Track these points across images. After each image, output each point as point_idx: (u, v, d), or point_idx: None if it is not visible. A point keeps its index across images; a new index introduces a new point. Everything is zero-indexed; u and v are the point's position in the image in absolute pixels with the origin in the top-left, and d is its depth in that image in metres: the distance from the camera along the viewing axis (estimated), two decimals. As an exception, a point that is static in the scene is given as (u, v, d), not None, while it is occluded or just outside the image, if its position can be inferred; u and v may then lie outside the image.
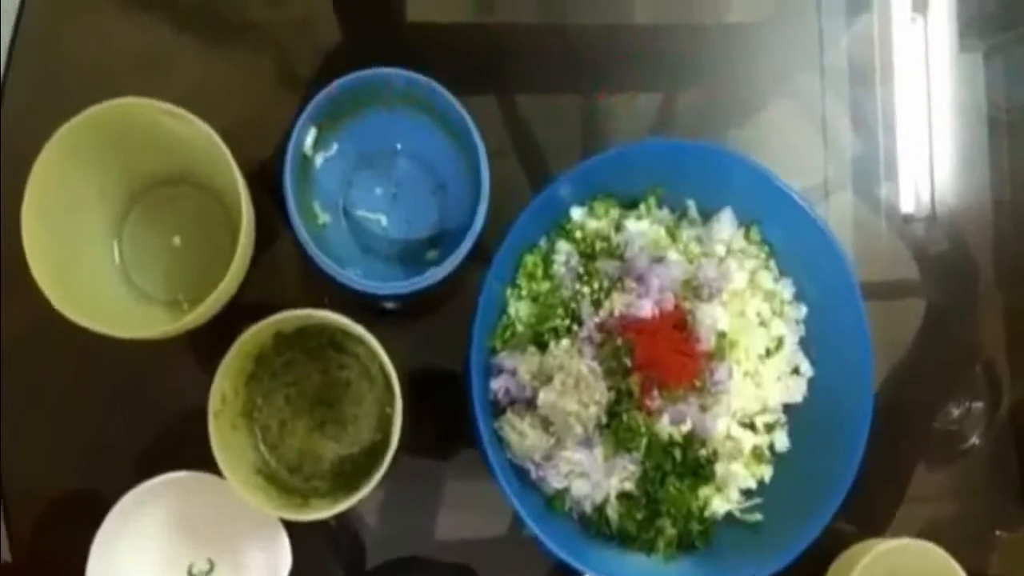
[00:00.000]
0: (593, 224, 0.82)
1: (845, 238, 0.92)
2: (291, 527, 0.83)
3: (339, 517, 0.87)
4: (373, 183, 0.88)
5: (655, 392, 0.77)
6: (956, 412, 0.95)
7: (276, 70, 0.92)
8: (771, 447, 0.82)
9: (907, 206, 0.96)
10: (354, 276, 0.79)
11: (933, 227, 0.96)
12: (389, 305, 0.89)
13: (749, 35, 0.96)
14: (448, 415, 0.89)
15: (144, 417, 0.87)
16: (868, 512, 0.88)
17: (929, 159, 0.96)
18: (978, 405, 0.95)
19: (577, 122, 0.94)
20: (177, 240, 0.87)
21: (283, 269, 0.88)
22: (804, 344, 0.83)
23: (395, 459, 0.76)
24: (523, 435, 0.77)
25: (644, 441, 0.77)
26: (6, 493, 0.86)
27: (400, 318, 0.90)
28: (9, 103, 0.88)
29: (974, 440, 0.94)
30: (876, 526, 0.90)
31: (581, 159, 0.80)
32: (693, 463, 0.79)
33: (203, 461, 0.78)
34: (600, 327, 0.78)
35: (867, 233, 0.95)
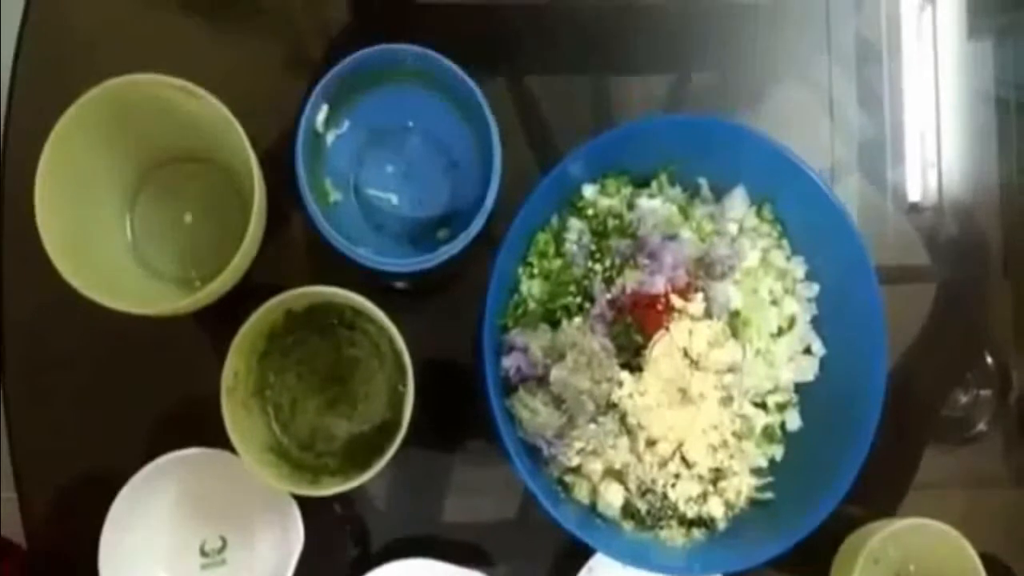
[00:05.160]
0: (605, 202, 0.81)
1: (853, 222, 0.92)
2: (303, 508, 0.83)
3: (349, 498, 0.88)
4: (384, 161, 0.88)
5: (667, 369, 0.77)
6: (964, 399, 0.95)
7: (286, 51, 0.92)
8: (782, 426, 0.82)
9: (915, 190, 0.96)
10: (365, 253, 0.79)
11: (941, 212, 0.96)
12: (398, 285, 0.89)
13: (758, 16, 0.96)
14: (456, 396, 0.89)
15: (155, 396, 0.87)
16: (876, 496, 0.88)
17: (937, 142, 0.96)
18: (986, 393, 0.95)
19: (587, 104, 0.94)
20: (188, 217, 0.87)
21: (293, 249, 0.89)
22: (816, 323, 0.83)
23: (404, 440, 0.76)
24: (535, 412, 0.77)
25: (656, 418, 0.77)
26: (19, 474, 0.86)
27: (409, 298, 0.90)
28: (19, 85, 0.88)
29: (982, 427, 0.94)
30: (884, 510, 0.90)
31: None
32: (704, 441, 0.79)
33: (214, 440, 0.78)
34: (612, 304, 0.78)
35: (875, 217, 0.95)
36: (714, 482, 0.79)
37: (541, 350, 0.78)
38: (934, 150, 0.96)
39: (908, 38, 0.96)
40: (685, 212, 0.82)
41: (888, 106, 0.96)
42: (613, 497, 0.78)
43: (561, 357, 0.77)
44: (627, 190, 0.82)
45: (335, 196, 0.86)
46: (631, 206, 0.81)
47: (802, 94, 0.96)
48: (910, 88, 0.96)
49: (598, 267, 0.79)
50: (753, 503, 0.81)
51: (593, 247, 0.80)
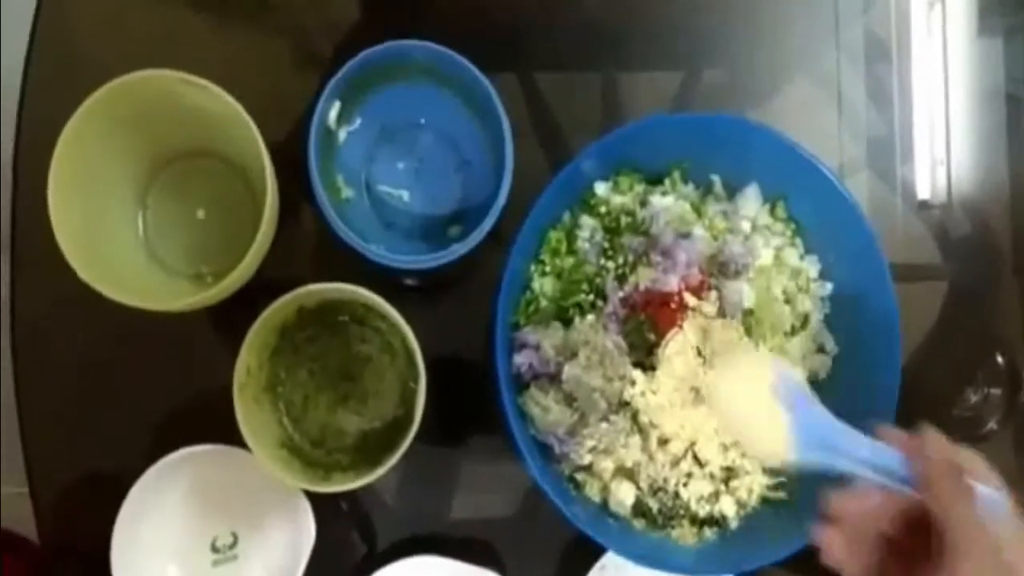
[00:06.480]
0: (618, 199, 0.81)
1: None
2: (313, 505, 0.83)
3: (359, 496, 0.88)
4: (396, 158, 0.88)
5: (679, 367, 0.77)
6: (974, 397, 0.95)
7: (294, 48, 0.92)
8: (796, 425, 0.82)
9: (924, 188, 0.96)
10: (377, 250, 0.78)
11: (951, 209, 0.96)
12: (409, 282, 0.89)
13: (766, 13, 0.95)
14: (467, 393, 0.89)
15: (167, 392, 0.87)
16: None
17: (947, 140, 0.96)
18: (996, 391, 0.94)
19: (597, 102, 0.94)
20: (201, 213, 0.87)
21: (304, 245, 0.89)
22: (829, 322, 0.83)
23: (415, 437, 0.76)
24: (547, 410, 0.77)
25: (668, 417, 0.77)
26: (31, 472, 0.86)
27: (420, 295, 0.90)
28: (31, 81, 0.89)
29: (992, 425, 0.94)
30: (894, 508, 0.90)
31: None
32: (717, 440, 0.79)
33: (226, 436, 0.78)
34: (625, 302, 0.78)
35: (884, 215, 0.95)
36: (726, 481, 0.79)
37: (553, 348, 0.78)
38: (944, 148, 0.96)
39: (918, 35, 0.96)
40: (698, 209, 0.82)
41: (898, 103, 0.96)
42: (625, 496, 0.78)
43: (573, 355, 0.77)
44: (639, 187, 0.82)
45: (347, 193, 0.86)
46: (643, 203, 0.81)
47: (811, 91, 0.96)
48: (920, 85, 0.96)
49: (611, 265, 0.79)
50: (765, 502, 0.81)
51: (606, 244, 0.80)
